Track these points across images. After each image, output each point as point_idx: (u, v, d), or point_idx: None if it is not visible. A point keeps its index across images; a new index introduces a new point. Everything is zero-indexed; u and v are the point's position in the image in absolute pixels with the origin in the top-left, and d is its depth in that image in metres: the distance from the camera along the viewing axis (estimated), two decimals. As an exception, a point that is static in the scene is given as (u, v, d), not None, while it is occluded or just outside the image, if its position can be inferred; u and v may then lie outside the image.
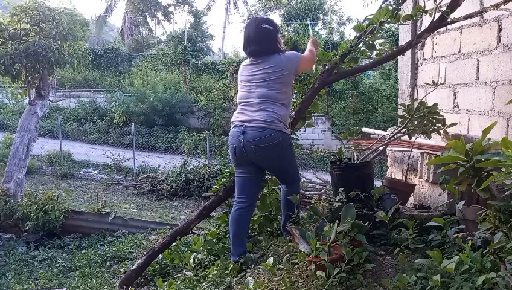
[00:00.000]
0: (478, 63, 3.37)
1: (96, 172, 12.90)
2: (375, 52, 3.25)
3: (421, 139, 3.58)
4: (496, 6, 2.75)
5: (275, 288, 2.45)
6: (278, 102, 2.88)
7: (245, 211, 3.01)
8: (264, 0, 24.33)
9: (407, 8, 3.89)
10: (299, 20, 20.65)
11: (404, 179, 3.80)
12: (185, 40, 20.50)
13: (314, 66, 3.25)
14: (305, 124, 3.58)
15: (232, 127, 2.99)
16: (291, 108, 3.40)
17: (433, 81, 3.48)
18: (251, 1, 30.46)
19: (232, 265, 2.89)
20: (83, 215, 8.09)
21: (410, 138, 3.48)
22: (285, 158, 2.97)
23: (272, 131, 2.82)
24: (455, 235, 2.56)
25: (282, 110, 2.89)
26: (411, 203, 3.77)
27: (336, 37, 19.94)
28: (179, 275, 3.42)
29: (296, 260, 2.61)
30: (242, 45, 3.11)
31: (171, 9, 29.97)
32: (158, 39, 29.18)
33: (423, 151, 3.55)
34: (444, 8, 2.87)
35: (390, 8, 3.05)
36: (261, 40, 2.96)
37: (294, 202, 2.97)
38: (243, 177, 3.03)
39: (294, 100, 3.51)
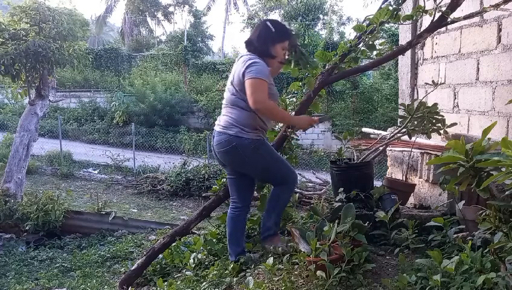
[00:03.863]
0: (478, 63, 3.36)
1: (96, 172, 12.90)
2: (375, 52, 3.24)
3: (421, 139, 3.58)
4: (496, 6, 2.75)
5: (275, 288, 2.45)
6: (235, 106, 2.82)
7: (238, 211, 3.00)
8: (264, 0, 24.31)
9: (407, 8, 3.89)
10: (299, 20, 20.65)
11: (404, 179, 3.80)
12: (185, 40, 20.50)
13: (262, 108, 2.73)
14: (305, 124, 3.57)
15: None
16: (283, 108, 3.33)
17: (433, 81, 3.48)
18: (251, 1, 30.49)
19: (232, 265, 2.89)
20: (83, 215, 8.10)
21: (410, 138, 3.48)
22: (252, 162, 2.85)
23: (227, 136, 2.80)
24: (455, 235, 2.56)
25: (238, 114, 2.79)
26: (411, 203, 3.77)
27: (336, 37, 19.94)
28: (179, 275, 3.42)
29: (296, 260, 2.61)
30: None
31: (171, 9, 29.99)
32: (158, 39, 29.19)
33: (423, 151, 3.55)
34: (444, 8, 2.87)
35: (390, 8, 3.05)
36: (256, 34, 2.90)
37: (279, 204, 2.94)
38: (229, 178, 3.06)
39: (295, 100, 3.49)
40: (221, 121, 2.88)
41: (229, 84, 2.88)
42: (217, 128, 2.89)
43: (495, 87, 3.18)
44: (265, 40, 2.86)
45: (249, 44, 2.91)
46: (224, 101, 2.93)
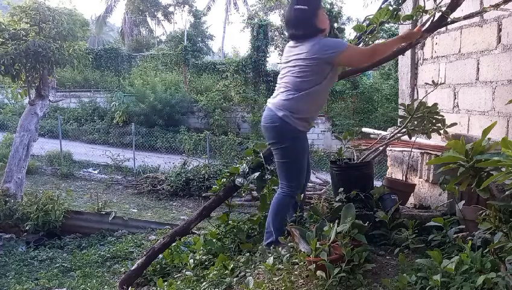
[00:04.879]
0: (478, 63, 3.36)
1: (96, 172, 12.91)
2: (375, 52, 3.24)
3: (421, 139, 3.57)
4: (496, 6, 2.75)
5: (275, 288, 2.45)
6: (296, 89, 2.81)
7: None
8: (264, 0, 24.30)
9: (407, 8, 3.89)
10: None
11: (404, 179, 3.80)
12: (185, 40, 20.50)
13: (369, 60, 2.96)
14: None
15: None
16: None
17: (433, 81, 3.48)
18: (251, 1, 30.39)
19: (232, 265, 2.89)
20: (83, 215, 8.11)
21: (410, 138, 3.48)
22: (282, 147, 2.88)
23: (274, 114, 2.85)
24: (455, 235, 2.56)
25: (295, 99, 2.80)
26: (411, 203, 3.76)
27: (336, 37, 19.89)
28: (179, 275, 3.41)
29: (296, 260, 2.61)
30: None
31: (171, 9, 29.98)
32: (158, 39, 29.18)
33: (423, 151, 3.55)
34: (444, 8, 2.87)
35: (390, 8, 3.05)
36: (296, 23, 2.85)
37: (280, 211, 2.95)
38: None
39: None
40: (276, 99, 2.90)
41: (292, 67, 2.84)
42: (269, 104, 2.94)
43: (495, 87, 3.18)
44: (307, 20, 2.83)
45: (295, 36, 2.88)
46: (282, 81, 2.90)
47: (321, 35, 2.87)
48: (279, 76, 2.98)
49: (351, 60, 2.91)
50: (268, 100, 2.99)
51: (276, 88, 2.98)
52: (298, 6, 2.84)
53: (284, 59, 2.96)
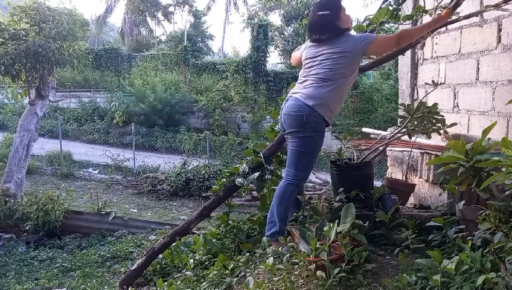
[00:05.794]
0: (478, 63, 3.36)
1: (96, 172, 12.91)
2: (375, 52, 3.24)
3: (421, 139, 3.57)
4: (496, 6, 2.75)
5: (275, 288, 2.45)
6: (327, 81, 2.87)
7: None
8: (264, 0, 24.29)
9: (407, 8, 3.89)
10: (299, 20, 20.63)
11: (404, 179, 3.80)
12: (185, 40, 20.50)
13: (396, 45, 3.05)
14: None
15: None
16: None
17: (433, 81, 3.48)
18: (251, 1, 30.42)
19: (232, 265, 2.89)
20: (83, 215, 8.11)
21: (410, 138, 3.48)
22: (301, 134, 2.92)
23: (302, 103, 2.89)
24: (455, 235, 2.56)
25: (326, 90, 2.87)
26: (411, 203, 3.76)
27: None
28: (179, 275, 3.41)
29: (296, 260, 2.61)
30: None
31: (171, 9, 29.98)
32: (158, 39, 29.18)
33: (423, 151, 3.55)
34: (444, 8, 2.87)
35: (390, 8, 3.05)
36: (320, 28, 2.94)
37: (284, 199, 2.96)
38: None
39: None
40: (305, 90, 2.93)
41: (324, 60, 2.91)
42: (296, 95, 2.96)
43: (495, 87, 3.18)
44: (331, 24, 2.91)
45: (320, 40, 2.96)
46: (310, 74, 2.96)
47: (346, 33, 2.95)
48: (305, 70, 3.03)
49: (380, 49, 3.02)
50: (292, 91, 3.03)
51: (300, 81, 3.02)
52: (320, 13, 2.93)
53: (311, 54, 3.00)
